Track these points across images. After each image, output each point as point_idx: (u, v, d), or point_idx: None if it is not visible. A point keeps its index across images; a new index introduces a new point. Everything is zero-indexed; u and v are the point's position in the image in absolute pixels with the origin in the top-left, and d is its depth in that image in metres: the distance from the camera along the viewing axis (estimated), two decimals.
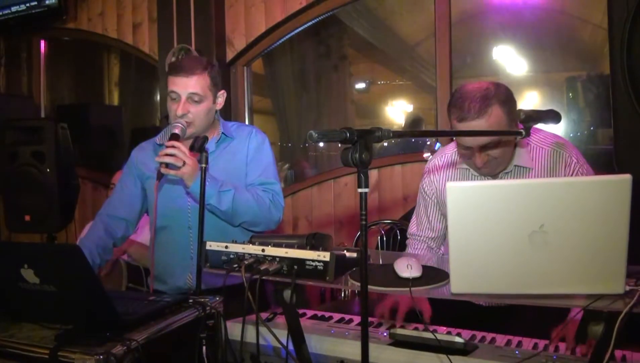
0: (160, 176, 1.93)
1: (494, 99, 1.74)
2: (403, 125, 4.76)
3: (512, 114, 1.77)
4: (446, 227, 2.11)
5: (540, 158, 1.90)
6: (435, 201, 2.09)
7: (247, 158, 2.18)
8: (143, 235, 2.86)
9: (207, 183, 1.90)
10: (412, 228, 2.17)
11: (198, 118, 2.07)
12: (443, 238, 2.13)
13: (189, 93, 2.04)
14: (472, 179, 1.98)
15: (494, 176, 1.93)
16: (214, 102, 2.12)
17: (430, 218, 2.10)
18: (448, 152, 2.07)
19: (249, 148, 2.19)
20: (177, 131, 1.98)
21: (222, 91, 2.16)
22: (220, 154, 2.18)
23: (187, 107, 2.04)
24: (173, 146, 1.91)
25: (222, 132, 2.20)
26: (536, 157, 1.90)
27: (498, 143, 1.78)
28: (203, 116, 2.08)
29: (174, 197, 2.16)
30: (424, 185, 2.11)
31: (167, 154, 1.90)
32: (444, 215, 2.10)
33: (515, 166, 1.89)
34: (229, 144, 2.20)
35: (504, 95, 1.77)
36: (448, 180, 2.04)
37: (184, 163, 1.91)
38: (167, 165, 1.90)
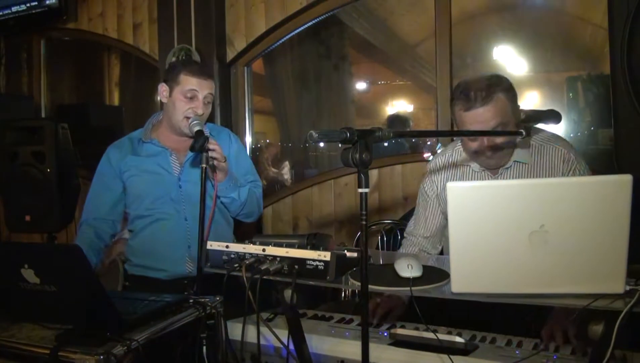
0: (213, 168, 2.10)
1: (498, 87, 1.80)
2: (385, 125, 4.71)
3: (515, 103, 1.83)
4: (443, 227, 2.15)
5: (539, 154, 1.93)
6: (436, 201, 2.11)
7: (230, 157, 2.32)
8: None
9: (231, 179, 2.16)
10: (410, 226, 2.22)
11: (205, 117, 2.22)
12: (438, 238, 2.17)
13: (207, 93, 2.18)
14: (473, 179, 2.00)
15: (494, 172, 1.95)
16: (211, 106, 2.26)
17: (428, 217, 2.14)
18: (449, 152, 2.10)
19: (232, 149, 2.35)
20: (199, 127, 2.07)
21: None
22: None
23: (203, 106, 2.18)
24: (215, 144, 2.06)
25: (209, 132, 2.28)
26: (534, 153, 1.93)
27: (506, 126, 1.81)
28: (207, 116, 2.24)
29: (169, 190, 2.24)
30: (425, 186, 2.14)
31: (211, 150, 2.04)
32: (444, 214, 2.11)
33: (514, 161, 1.92)
34: None
35: (507, 84, 1.84)
36: (449, 180, 2.06)
37: (225, 159, 2.09)
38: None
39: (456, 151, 2.07)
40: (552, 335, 1.58)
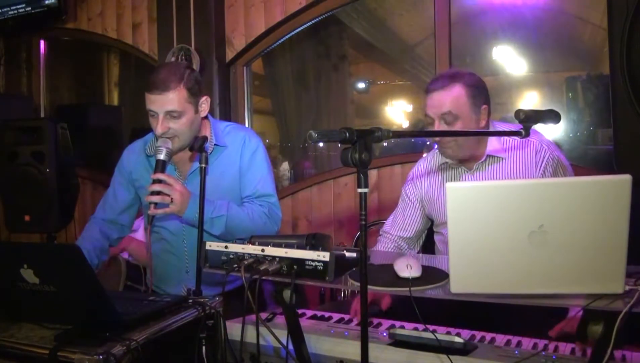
0: (151, 219, 1.92)
1: (461, 79, 1.93)
2: (407, 127, 4.76)
3: (475, 99, 1.93)
4: (421, 231, 2.22)
5: (512, 148, 2.00)
6: (418, 205, 2.19)
7: (242, 169, 2.13)
8: (142, 233, 2.86)
9: (194, 212, 1.89)
10: (387, 226, 2.27)
11: (181, 133, 2.01)
12: (416, 240, 2.23)
13: (166, 111, 1.97)
14: (452, 176, 2.09)
15: (469, 166, 2.04)
16: (196, 112, 2.05)
17: (406, 219, 2.21)
18: (429, 157, 2.19)
19: (243, 157, 2.13)
20: (161, 156, 1.93)
21: (205, 97, 2.08)
22: (213, 165, 2.12)
23: (166, 124, 1.98)
24: (159, 181, 1.90)
25: (215, 143, 2.13)
26: (508, 147, 2.01)
27: (457, 118, 1.91)
28: (186, 129, 2.02)
29: (169, 220, 2.13)
30: (407, 190, 2.22)
31: (153, 193, 1.89)
32: (429, 216, 2.15)
33: (488, 155, 2.01)
34: (222, 154, 2.14)
35: (473, 80, 1.95)
36: (432, 183, 2.15)
37: (172, 200, 1.89)
38: (156, 204, 1.89)
39: (436, 154, 2.15)
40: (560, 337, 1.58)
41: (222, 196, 2.09)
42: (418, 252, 2.25)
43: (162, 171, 1.93)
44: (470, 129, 1.95)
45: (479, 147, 2.01)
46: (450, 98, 1.91)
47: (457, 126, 1.92)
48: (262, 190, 2.13)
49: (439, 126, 1.94)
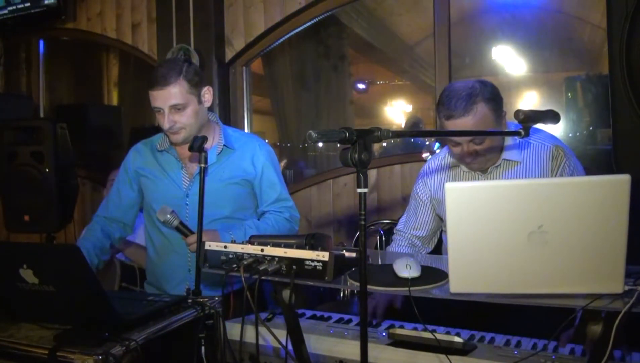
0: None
1: (479, 97, 1.82)
2: (403, 126, 4.76)
3: (498, 111, 1.86)
4: (435, 229, 2.19)
5: (528, 152, 1.96)
6: (429, 203, 2.15)
7: (256, 178, 2.19)
8: (139, 236, 2.86)
9: (235, 234, 2.05)
10: (400, 224, 2.24)
11: (188, 124, 2.08)
12: (430, 238, 2.20)
13: (170, 105, 2.03)
14: (464, 179, 2.04)
15: (484, 171, 1.99)
16: (200, 102, 2.10)
17: (419, 218, 2.18)
18: (441, 155, 2.15)
19: (257, 167, 2.19)
20: (176, 222, 2.01)
21: (207, 88, 2.14)
22: (222, 166, 2.16)
23: (171, 118, 2.04)
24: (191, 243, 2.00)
25: (224, 144, 2.18)
26: (524, 151, 1.96)
27: (485, 138, 1.84)
28: (193, 120, 2.08)
29: (175, 207, 2.12)
30: (418, 189, 2.18)
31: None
32: (438, 216, 2.14)
33: (504, 159, 1.96)
34: (230, 156, 2.18)
35: (490, 93, 1.85)
36: (442, 182, 2.10)
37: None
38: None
39: (448, 153, 2.10)
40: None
41: (227, 197, 2.15)
42: (431, 251, 2.21)
43: (190, 232, 2.01)
44: (498, 140, 1.90)
45: (499, 152, 1.96)
46: (475, 122, 1.81)
47: (487, 142, 1.86)
48: (282, 195, 2.24)
49: (469, 151, 1.86)
